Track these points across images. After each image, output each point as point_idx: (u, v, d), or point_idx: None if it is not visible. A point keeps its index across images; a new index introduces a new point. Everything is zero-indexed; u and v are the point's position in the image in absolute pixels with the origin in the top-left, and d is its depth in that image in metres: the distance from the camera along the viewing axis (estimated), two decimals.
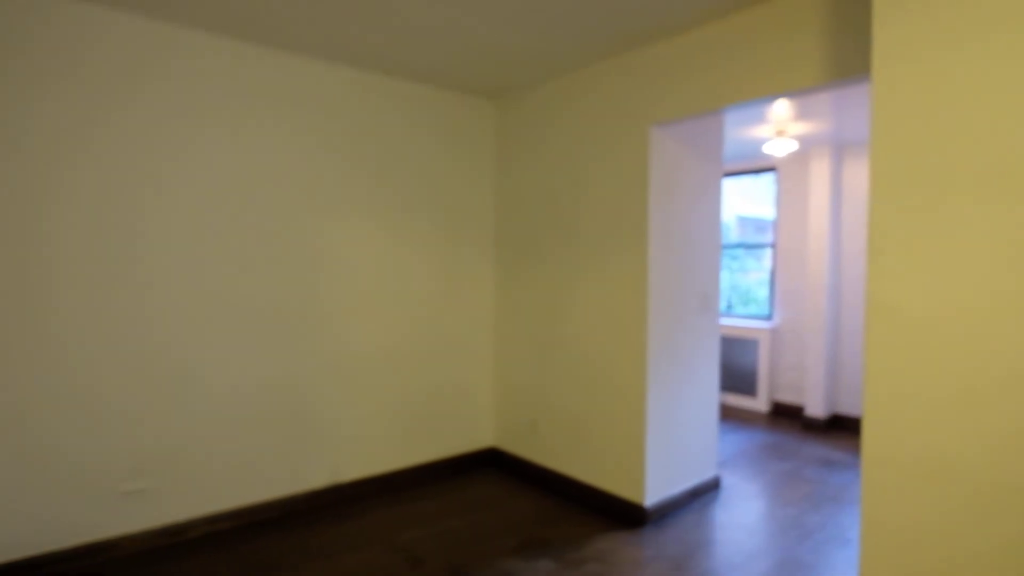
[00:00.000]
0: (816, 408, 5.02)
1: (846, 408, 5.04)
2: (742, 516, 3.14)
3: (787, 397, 5.42)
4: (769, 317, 5.65)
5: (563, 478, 3.42)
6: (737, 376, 5.67)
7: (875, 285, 1.84)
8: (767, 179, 5.68)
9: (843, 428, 4.99)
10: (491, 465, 3.91)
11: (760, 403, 5.53)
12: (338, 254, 3.24)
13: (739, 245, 6.23)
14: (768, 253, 5.70)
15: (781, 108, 3.89)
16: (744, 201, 6.26)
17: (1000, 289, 1.53)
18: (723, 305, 6.14)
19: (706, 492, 3.42)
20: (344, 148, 3.24)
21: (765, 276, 5.76)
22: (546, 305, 3.53)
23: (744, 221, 6.42)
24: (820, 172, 5.00)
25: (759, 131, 4.44)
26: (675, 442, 3.18)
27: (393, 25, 2.68)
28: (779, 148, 4.30)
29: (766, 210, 5.75)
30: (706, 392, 3.40)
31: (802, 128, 4.36)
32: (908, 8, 1.69)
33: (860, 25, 2.16)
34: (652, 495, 3.04)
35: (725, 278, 6.15)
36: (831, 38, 2.24)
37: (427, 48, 2.97)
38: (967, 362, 1.58)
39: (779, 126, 4.27)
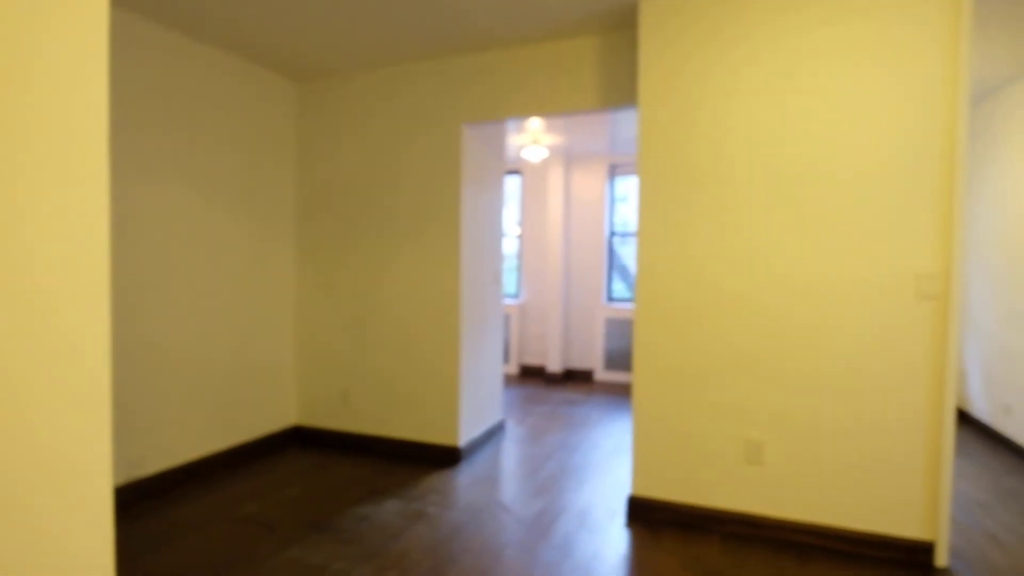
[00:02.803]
0: (555, 366, 6.30)
1: (576, 364, 6.45)
2: (526, 444, 3.96)
3: (532, 360, 6.62)
4: (517, 295, 6.78)
5: (382, 440, 3.75)
6: None
7: (642, 251, 2.75)
8: (515, 180, 6.77)
9: (575, 379, 6.38)
10: (295, 443, 3.97)
11: (512, 368, 6.61)
12: (134, 222, 2.97)
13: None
14: (516, 242, 6.81)
15: (535, 122, 4.87)
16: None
17: (707, 248, 2.54)
18: None
19: (497, 431, 4.17)
20: (141, 107, 2.97)
21: (513, 261, 6.87)
22: (363, 280, 3.79)
23: None
24: (556, 177, 6.27)
25: (517, 139, 5.40)
26: (478, 392, 3.83)
27: None
28: (534, 154, 5.32)
29: (514, 206, 6.85)
30: (496, 349, 4.13)
31: (547, 140, 5.47)
32: (662, 59, 2.62)
33: (628, 66, 3.09)
34: (464, 437, 3.63)
35: None
36: (607, 74, 3.14)
37: (234, 20, 2.98)
38: (687, 294, 2.57)
39: (533, 136, 5.28)
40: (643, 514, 2.76)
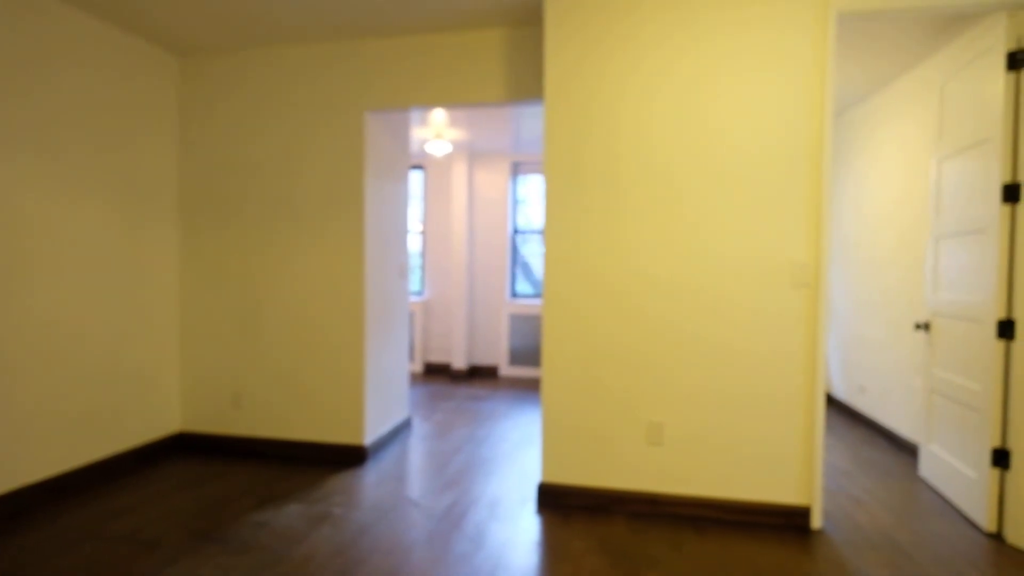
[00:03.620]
0: (460, 363, 6.28)
1: (481, 360, 6.46)
2: (433, 439, 3.90)
3: (437, 358, 6.54)
4: (421, 292, 6.67)
5: (280, 443, 3.52)
6: None
7: (548, 247, 2.80)
8: (418, 176, 6.66)
9: (481, 375, 6.38)
10: (181, 450, 3.63)
11: (416, 365, 6.50)
12: None
13: None
14: (420, 238, 6.70)
15: (439, 114, 4.82)
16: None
17: (602, 244, 2.65)
18: None
19: (403, 429, 4.07)
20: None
21: (417, 258, 6.75)
22: (257, 274, 3.54)
23: None
24: (460, 174, 6.25)
25: (420, 132, 5.31)
26: (384, 388, 3.72)
27: None
28: (438, 148, 5.26)
29: (415, 202, 6.73)
30: (402, 345, 4.03)
31: (452, 135, 5.43)
32: (565, 53, 2.69)
33: (535, 60, 3.13)
34: (369, 436, 3.50)
35: None
36: (515, 67, 3.16)
37: None
38: (587, 289, 2.67)
39: (437, 130, 5.22)
40: (553, 500, 2.82)
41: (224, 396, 3.62)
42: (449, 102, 3.28)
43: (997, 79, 2.54)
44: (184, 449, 3.65)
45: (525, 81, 3.16)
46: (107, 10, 2.96)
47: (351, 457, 3.43)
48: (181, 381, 3.69)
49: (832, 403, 4.91)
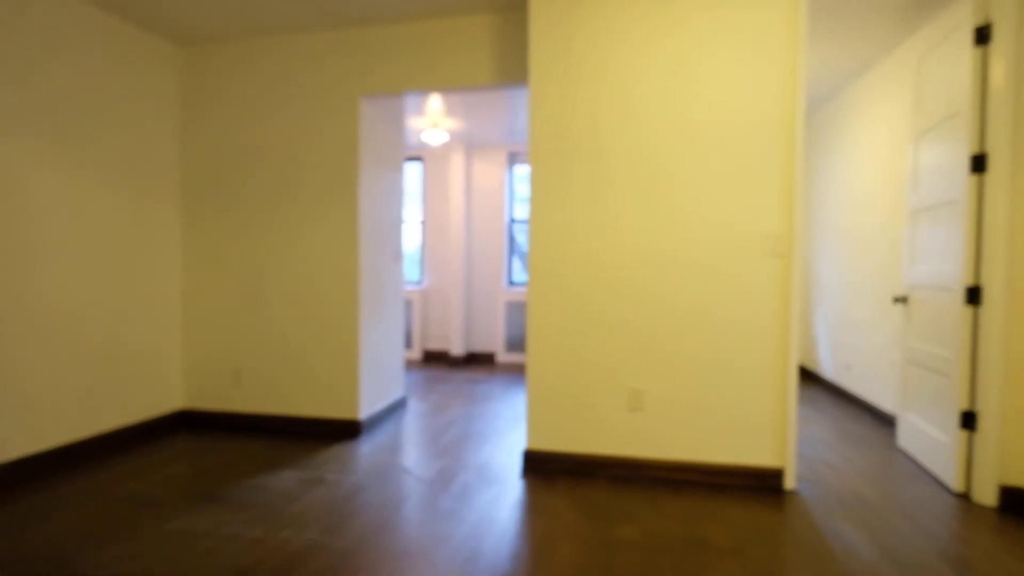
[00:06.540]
0: (458, 349, 6.39)
1: (478, 347, 6.57)
2: (428, 417, 4.02)
3: (435, 345, 6.66)
4: (420, 281, 6.79)
5: (278, 419, 3.65)
6: None
7: (533, 225, 2.91)
8: (417, 167, 6.77)
9: (478, 361, 6.50)
10: (183, 426, 3.76)
11: (415, 353, 6.62)
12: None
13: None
14: (419, 228, 6.82)
15: (435, 104, 4.93)
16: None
17: (586, 220, 2.75)
18: None
19: (399, 407, 4.19)
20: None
21: (416, 248, 6.87)
22: (257, 255, 3.66)
23: None
24: (457, 165, 6.36)
25: (417, 122, 5.42)
26: (379, 366, 3.83)
27: None
28: (434, 138, 5.37)
29: (415, 193, 6.85)
30: (396, 327, 4.15)
31: (448, 124, 5.54)
32: (550, 36, 2.79)
33: (523, 44, 3.24)
34: (364, 411, 3.62)
35: None
36: (503, 51, 3.27)
37: None
38: (571, 264, 2.77)
39: (433, 119, 5.33)
40: (537, 466, 2.93)
41: (225, 374, 3.75)
42: (441, 86, 3.38)
43: (965, 54, 2.63)
44: (186, 425, 3.79)
45: (513, 65, 3.26)
46: (114, 2, 3.09)
47: (346, 431, 3.55)
48: (183, 359, 3.82)
49: (819, 382, 4.98)
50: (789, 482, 2.67)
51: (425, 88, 3.41)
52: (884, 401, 3.85)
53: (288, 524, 2.30)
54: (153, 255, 3.58)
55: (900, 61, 3.71)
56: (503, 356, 6.45)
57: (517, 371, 5.90)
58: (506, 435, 3.59)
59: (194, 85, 3.74)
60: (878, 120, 4.02)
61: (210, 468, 2.97)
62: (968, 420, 2.59)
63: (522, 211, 6.67)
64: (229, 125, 3.69)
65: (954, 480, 2.63)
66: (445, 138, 5.61)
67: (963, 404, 2.60)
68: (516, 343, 6.42)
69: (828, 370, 4.87)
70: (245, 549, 2.10)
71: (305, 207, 3.59)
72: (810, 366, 5.34)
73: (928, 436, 2.91)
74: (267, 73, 3.61)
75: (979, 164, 2.57)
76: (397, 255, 4.14)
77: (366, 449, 3.30)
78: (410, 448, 3.32)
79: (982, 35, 2.56)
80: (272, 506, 2.48)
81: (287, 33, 3.56)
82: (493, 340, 6.56)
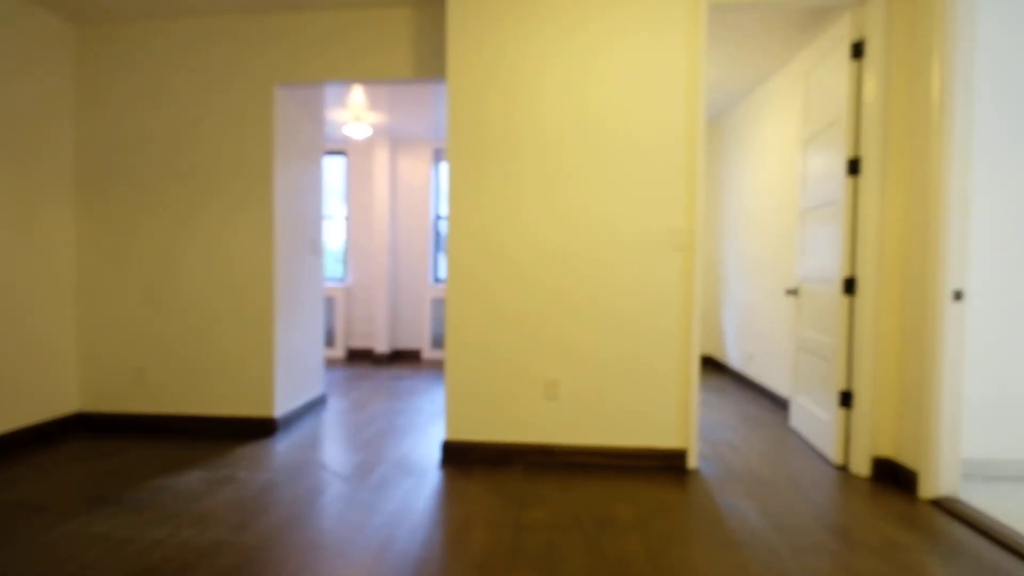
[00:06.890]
0: (383, 347, 6.32)
1: (403, 344, 6.52)
2: (349, 413, 3.96)
3: (360, 343, 6.55)
4: (343, 278, 6.65)
5: (186, 419, 3.48)
6: None
7: (453, 213, 2.95)
8: (340, 162, 6.63)
9: (403, 359, 6.45)
10: (80, 430, 3.52)
11: (338, 351, 6.48)
12: None
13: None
14: (342, 224, 6.67)
15: (358, 96, 4.86)
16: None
17: (497, 218, 2.82)
18: None
19: (318, 405, 4.10)
20: None
21: (341, 244, 6.72)
22: (162, 249, 3.48)
23: None
24: (382, 160, 6.28)
25: (339, 115, 5.32)
26: (295, 363, 3.74)
27: None
28: (357, 131, 5.28)
29: (340, 188, 6.70)
30: (316, 323, 4.06)
31: (371, 118, 5.47)
32: (467, 30, 2.83)
33: (439, 42, 3.26)
34: (280, 409, 3.53)
35: None
36: (422, 45, 3.28)
37: None
38: (486, 259, 2.83)
39: (356, 112, 5.24)
40: (456, 456, 2.96)
41: (126, 373, 3.54)
42: (361, 78, 3.35)
43: (844, 67, 2.90)
44: (85, 428, 3.54)
45: (431, 60, 3.28)
46: None
47: (261, 430, 3.44)
48: (80, 359, 3.57)
49: (728, 372, 5.32)
50: (692, 462, 2.85)
51: (345, 79, 3.36)
52: (781, 387, 4.16)
53: (192, 524, 2.22)
54: (43, 249, 3.33)
55: (793, 73, 4.03)
56: (429, 353, 6.43)
57: (442, 367, 5.91)
58: (427, 429, 3.60)
59: (91, 68, 3.50)
60: (775, 126, 4.34)
61: (108, 471, 2.80)
62: (846, 399, 2.86)
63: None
64: (130, 110, 3.49)
65: (834, 454, 2.90)
66: (368, 132, 5.53)
67: (841, 385, 2.87)
68: (442, 340, 6.41)
69: (735, 360, 5.20)
70: (143, 551, 2.01)
71: (215, 199, 3.45)
72: (719, 357, 5.68)
73: (814, 416, 3.18)
74: (173, 57, 3.44)
75: (854, 167, 2.84)
76: (316, 249, 4.05)
77: (281, 447, 3.21)
78: (328, 444, 3.26)
79: (857, 50, 2.83)
80: (175, 507, 2.38)
81: (196, 15, 3.41)
82: (419, 337, 6.53)
